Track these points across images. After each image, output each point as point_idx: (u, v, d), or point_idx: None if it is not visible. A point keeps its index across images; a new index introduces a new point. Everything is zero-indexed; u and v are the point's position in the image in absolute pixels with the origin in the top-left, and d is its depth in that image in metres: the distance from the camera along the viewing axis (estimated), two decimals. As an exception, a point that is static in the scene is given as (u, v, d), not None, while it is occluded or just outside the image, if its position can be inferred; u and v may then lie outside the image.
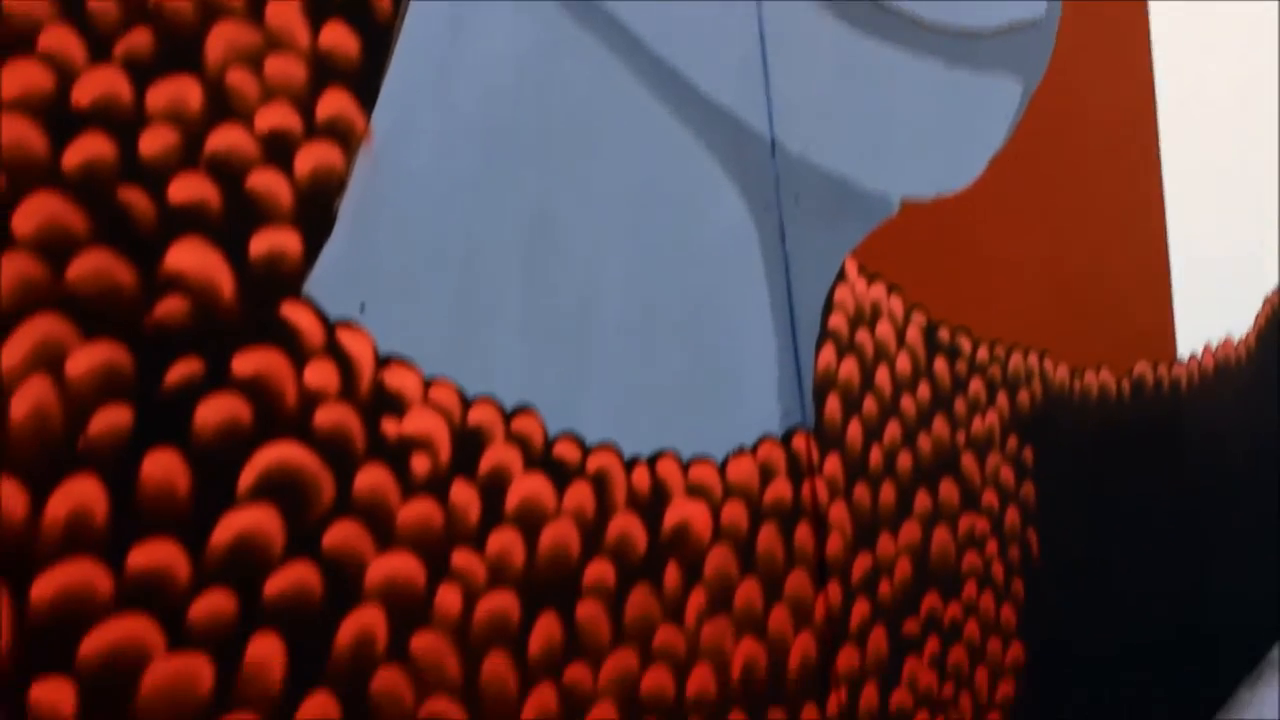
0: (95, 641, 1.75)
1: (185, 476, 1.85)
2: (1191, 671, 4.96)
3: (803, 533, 2.98)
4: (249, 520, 1.92)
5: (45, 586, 1.71)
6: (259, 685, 1.93)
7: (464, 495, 2.23)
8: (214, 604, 1.88)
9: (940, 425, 3.51)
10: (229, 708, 1.90)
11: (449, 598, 2.20)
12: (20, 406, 1.69)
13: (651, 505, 2.59)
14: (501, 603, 2.29)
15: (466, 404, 2.24)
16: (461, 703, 2.22)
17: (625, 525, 2.53)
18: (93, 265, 1.77)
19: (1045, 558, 3.97)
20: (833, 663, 3.07)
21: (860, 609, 3.17)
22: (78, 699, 1.74)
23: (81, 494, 1.75)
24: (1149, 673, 4.63)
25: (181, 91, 1.87)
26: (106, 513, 1.77)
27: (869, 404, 3.23)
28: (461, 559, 2.22)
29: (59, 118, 1.74)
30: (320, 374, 2.02)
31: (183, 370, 1.86)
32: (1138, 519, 4.59)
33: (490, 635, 2.27)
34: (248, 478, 1.92)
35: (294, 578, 1.98)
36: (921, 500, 3.42)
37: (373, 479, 2.09)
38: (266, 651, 1.94)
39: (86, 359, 1.76)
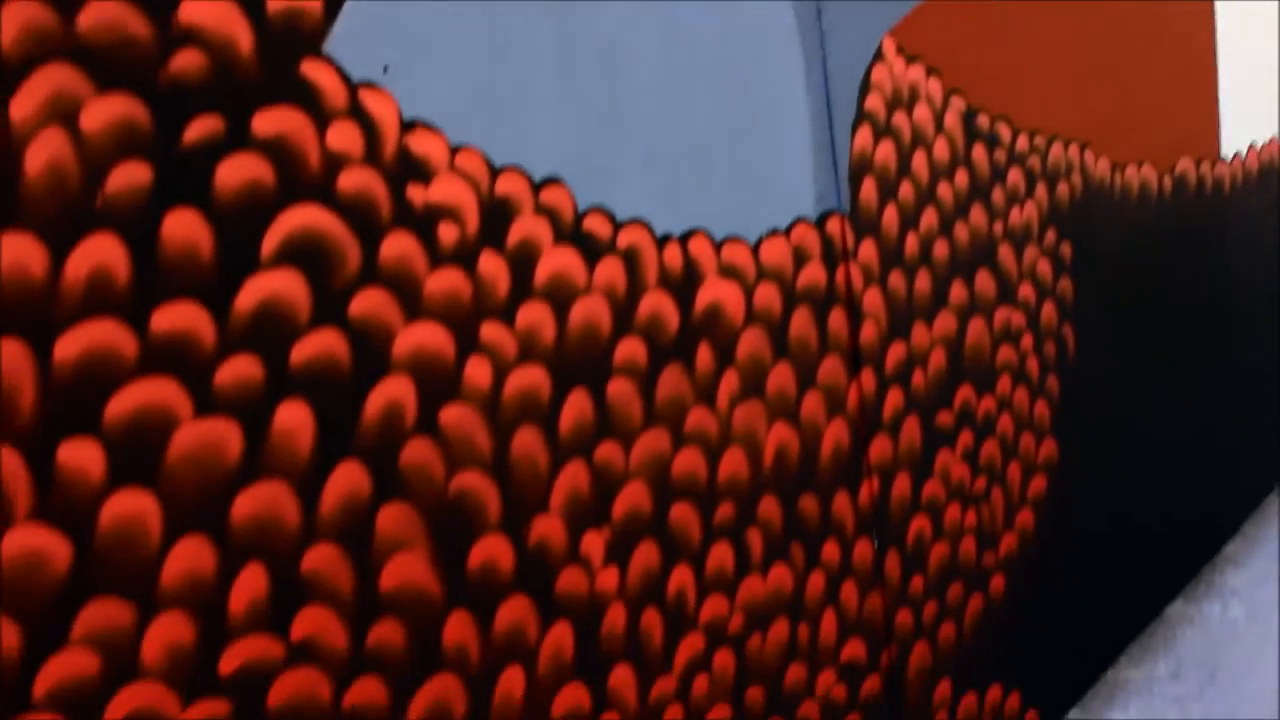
0: (121, 404, 1.74)
1: (208, 238, 1.81)
2: (1209, 486, 4.96)
3: (836, 319, 2.94)
4: (274, 285, 1.89)
5: (68, 347, 1.68)
6: (287, 453, 1.92)
7: (492, 267, 2.19)
8: (240, 369, 1.86)
9: (978, 215, 3.45)
10: (257, 475, 1.89)
11: (478, 371, 2.17)
12: (35, 160, 1.64)
13: (683, 285, 2.55)
14: (531, 378, 2.27)
15: (494, 173, 2.19)
16: (492, 477, 2.21)
17: (657, 304, 2.49)
18: (105, 14, 1.70)
19: (1081, 356, 3.94)
20: (865, 452, 3.06)
21: (893, 399, 3.15)
22: (106, 461, 1.72)
23: (101, 253, 1.71)
24: (1176, 478, 4.62)
25: None
26: (128, 273, 1.74)
27: (905, 190, 3.16)
28: (490, 332, 2.19)
29: None
30: (343, 136, 1.97)
31: (202, 128, 1.81)
32: (1173, 323, 4.54)
33: (520, 410, 2.25)
34: (271, 241, 1.88)
35: (321, 346, 1.95)
36: (957, 291, 3.37)
37: (399, 247, 2.05)
38: (294, 419, 1.92)
39: (102, 112, 1.70)
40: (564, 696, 2.37)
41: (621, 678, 2.47)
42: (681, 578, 2.58)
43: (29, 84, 1.63)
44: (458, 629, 2.17)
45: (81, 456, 1.70)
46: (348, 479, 1.99)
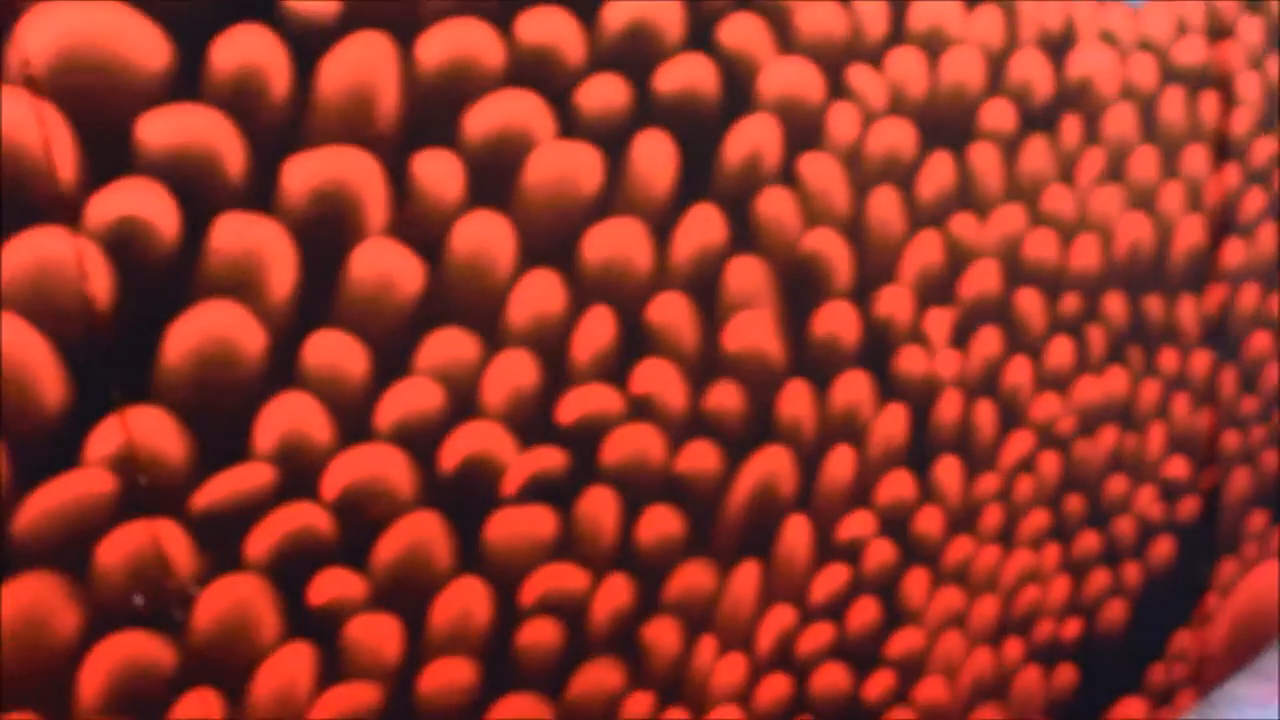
0: (483, 116, 1.57)
1: (584, -63, 1.61)
2: None
3: (1208, 102, 2.63)
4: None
5: (433, 47, 1.51)
6: (644, 188, 1.74)
7: (868, 2, 1.95)
8: (605, 90, 1.67)
9: (1364, 1, 3.05)
10: (612, 209, 1.71)
11: (844, 119, 1.95)
12: None
13: (1058, 46, 2.27)
14: (897, 133, 2.04)
15: (884, -106, 1.93)
16: (846, 238, 2.00)
17: (1030, 64, 2.22)
18: None
19: None
20: (1217, 254, 2.77)
21: (1254, 199, 2.83)
22: (464, 177, 1.56)
23: (475, -58, 1.53)
24: None
25: None
26: (499, -31, 1.55)
27: (1296, -37, 2.79)
28: (860, 77, 1.96)
29: None
30: None
31: None
32: None
33: (882, 169, 2.03)
34: (648, -52, 1.68)
35: (688, 72, 1.75)
36: (1332, 85, 3.00)
37: (777, -30, 1.82)
38: (655, 151, 1.73)
39: None
40: (889, 482, 2.19)
41: (947, 470, 2.29)
42: (1019, 370, 2.37)
43: None
44: (794, 399, 2.00)
45: (440, 170, 1.55)
46: (703, 223, 1.81)
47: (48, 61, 1.28)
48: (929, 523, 2.28)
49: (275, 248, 1.44)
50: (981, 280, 2.24)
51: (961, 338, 2.24)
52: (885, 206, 2.05)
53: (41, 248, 1.31)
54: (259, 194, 1.42)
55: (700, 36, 1.75)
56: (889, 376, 2.13)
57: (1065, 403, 2.48)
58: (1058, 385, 2.45)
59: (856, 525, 2.15)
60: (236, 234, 1.42)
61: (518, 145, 1.60)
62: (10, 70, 1.26)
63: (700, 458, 1.89)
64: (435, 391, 1.59)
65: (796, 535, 2.05)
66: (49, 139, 1.30)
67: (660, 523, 1.87)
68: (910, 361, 2.16)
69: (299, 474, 1.51)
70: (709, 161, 1.80)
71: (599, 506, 1.79)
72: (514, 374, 1.66)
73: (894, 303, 2.10)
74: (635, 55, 1.68)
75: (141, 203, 1.35)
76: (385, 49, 1.48)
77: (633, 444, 1.80)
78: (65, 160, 1.30)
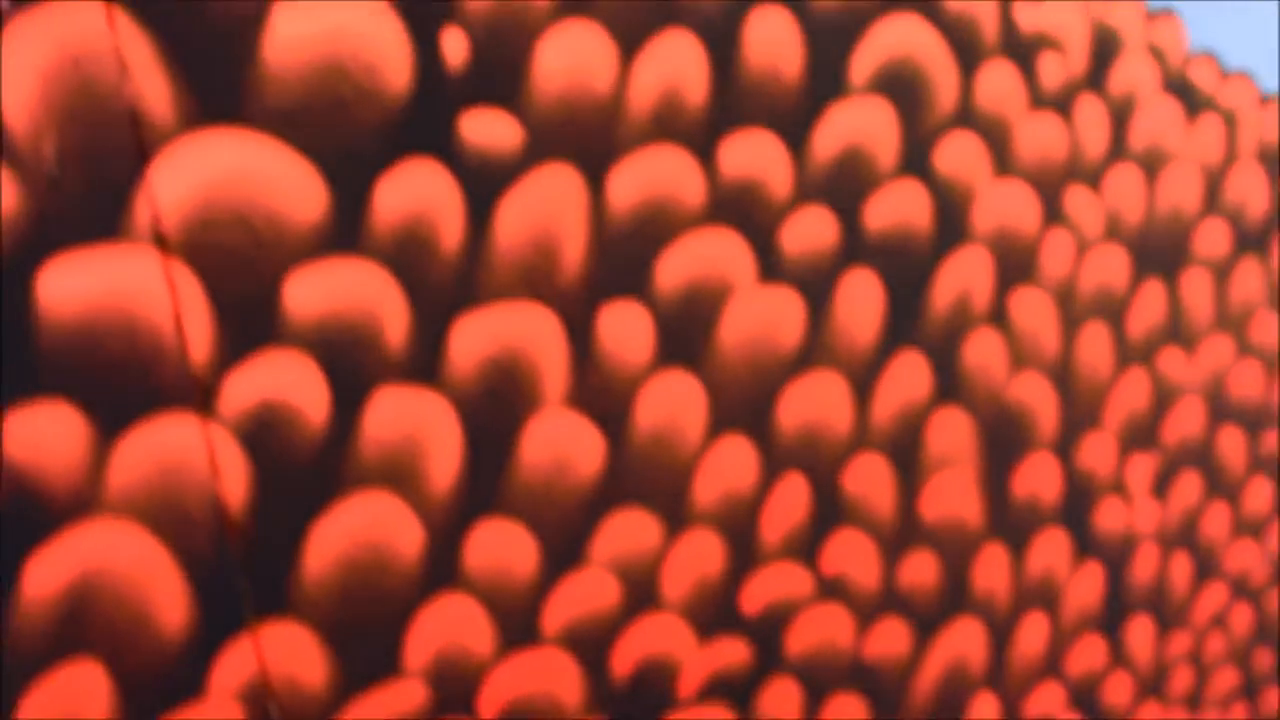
0: (679, 259, 1.30)
1: (798, 47, 1.35)
2: None
3: None
4: (862, 118, 1.41)
5: (627, 180, 1.25)
6: (848, 336, 1.46)
7: (1090, 115, 1.67)
8: (813, 225, 1.40)
9: None
10: (812, 361, 1.44)
11: (1059, 247, 1.68)
12: (618, -77, 1.19)
13: (1277, 159, 1.99)
14: (1112, 261, 1.76)
15: (1113, -6, 1.66)
16: (1052, 381, 1.72)
17: (1249, 179, 1.94)
18: None
19: None
20: None
21: None
22: (654, 332, 1.30)
23: (678, 58, 1.26)
24: None
25: None
26: (706, 87, 1.29)
27: None
28: (1078, 199, 1.68)
29: None
30: (960, -72, 1.46)
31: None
32: None
33: (1095, 301, 1.75)
34: (865, 59, 1.41)
35: (901, 201, 1.48)
36: None
37: (999, 80, 1.55)
38: (862, 294, 1.46)
39: None
40: (1080, 648, 1.90)
41: (1140, 631, 2.00)
42: (1217, 517, 2.07)
43: None
44: (990, 565, 1.71)
45: (628, 325, 1.28)
46: (908, 374, 1.54)
47: (182, 215, 1.02)
48: (1118, 691, 1.98)
49: (439, 426, 1.18)
50: (1185, 420, 1.95)
51: (1161, 486, 1.95)
52: (1095, 344, 1.77)
53: (166, 440, 1.04)
54: (422, 363, 1.16)
55: (915, 161, 1.48)
56: (1087, 533, 1.85)
57: (1261, 550, 2.18)
58: (1253, 531, 2.16)
59: (1046, 699, 1.86)
60: (395, 412, 1.15)
61: (714, 294, 1.33)
62: (137, 227, 1.00)
63: (890, 638, 1.61)
64: (611, 585, 1.32)
65: (983, 714, 1.77)
66: (180, 308, 1.03)
67: (845, 711, 1.58)
68: (1109, 516, 1.87)
69: (455, 691, 1.23)
70: (917, 303, 1.52)
71: (781, 700, 1.51)
72: (698, 559, 1.38)
73: (1097, 451, 1.82)
74: (846, 185, 1.41)
75: (286, 381, 1.09)
76: (573, 186, 1.21)
77: (820, 629, 1.52)
78: (199, 333, 1.04)
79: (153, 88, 0.99)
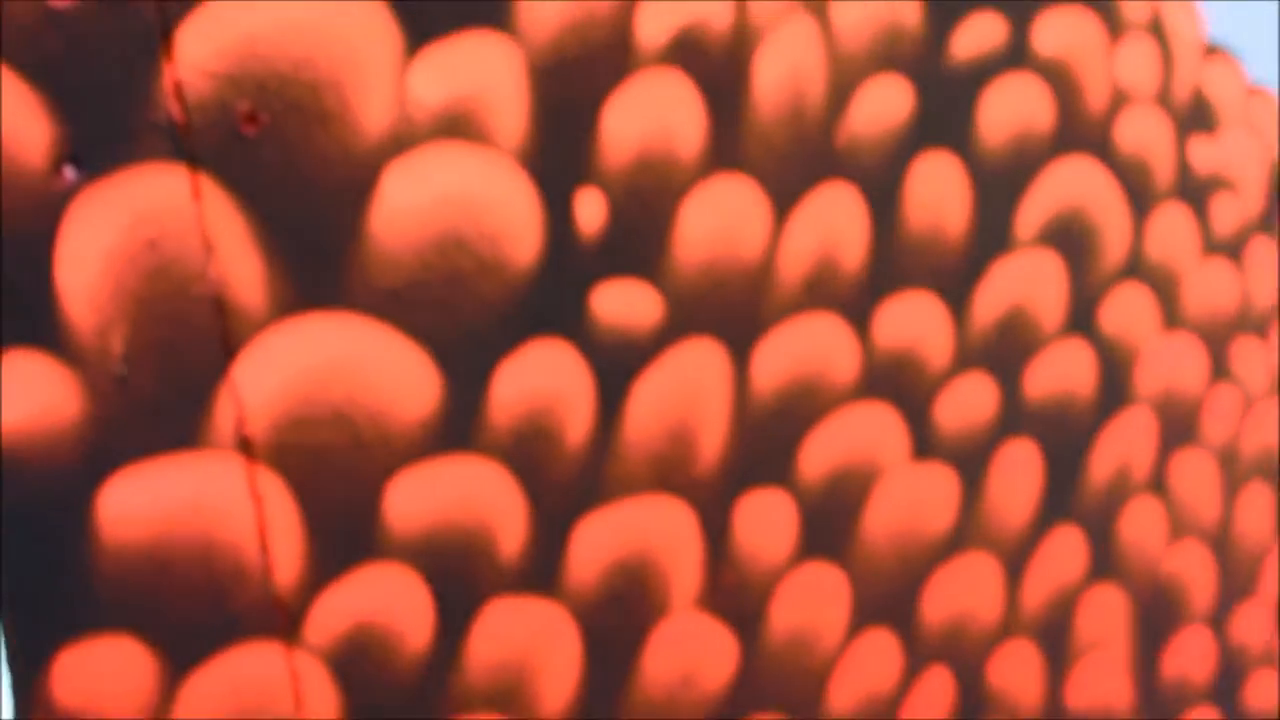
0: (827, 440, 1.11)
1: (964, 201, 1.16)
2: None
3: None
4: (1029, 274, 1.22)
5: (774, 355, 1.06)
6: (1001, 513, 1.27)
7: (1263, 258, 1.47)
8: (971, 395, 1.20)
9: None
10: (961, 544, 1.24)
11: (1226, 405, 1.47)
12: (768, 70, 1.00)
13: None
14: (1274, 417, 1.55)
15: (1292, 128, 1.46)
16: (1211, 550, 1.51)
17: None
18: None
19: None
20: None
21: None
22: (798, 521, 1.10)
23: (835, 215, 1.07)
24: None
25: None
26: (865, 248, 1.10)
27: None
28: (1245, 350, 1.48)
29: None
30: (1137, 61, 1.27)
31: (976, 34, 1.14)
32: None
33: (1257, 462, 1.54)
34: (1034, 209, 1.22)
35: (1065, 364, 1.28)
36: None
37: (1170, 227, 1.35)
38: (1020, 467, 1.27)
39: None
40: (1219, 831, 1.68)
41: (1281, 806, 1.77)
42: (1365, 679, 1.85)
43: (786, -55, 0.99)
44: (1136, 751, 1.50)
45: (768, 517, 1.09)
46: (1062, 550, 1.33)
47: (271, 416, 0.84)
48: None
49: (555, 640, 0.98)
50: (1339, 580, 1.74)
51: (1312, 650, 1.73)
52: (1254, 507, 1.56)
53: (245, 674, 0.85)
54: (540, 572, 0.97)
55: (1081, 319, 1.28)
56: (1237, 711, 1.63)
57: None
58: (1399, 691, 1.94)
59: None
60: (506, 628, 0.96)
61: (862, 476, 1.14)
62: (218, 431, 0.82)
63: (1029, 838, 1.40)
64: (738, 807, 1.12)
65: None
66: (265, 523, 0.85)
67: None
68: (1260, 692, 1.66)
69: None
70: (1075, 474, 1.32)
71: None
72: (832, 770, 1.18)
73: (1250, 623, 1.61)
74: (1007, 349, 1.22)
75: (385, 601, 0.90)
76: (715, 364, 1.02)
77: (958, 836, 1.32)
78: (286, 551, 0.85)
79: (242, 269, 0.81)
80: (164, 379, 0.80)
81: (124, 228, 0.77)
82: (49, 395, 0.77)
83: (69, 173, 0.75)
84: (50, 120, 0.75)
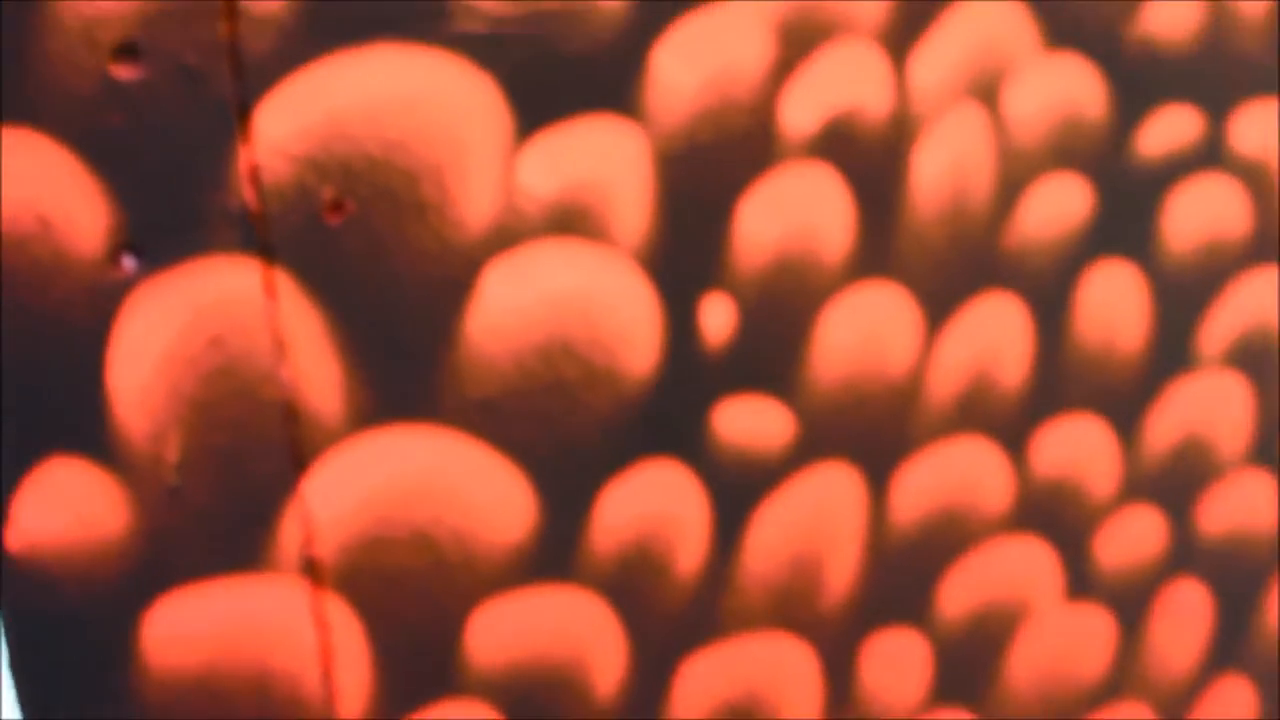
0: (971, 575, 0.97)
1: (1145, 313, 1.01)
2: None
3: None
4: (1211, 396, 1.06)
5: (914, 486, 0.92)
6: (1165, 660, 1.11)
7: None
8: (1135, 530, 1.05)
9: None
10: (1116, 693, 1.09)
11: None
12: (930, 160, 0.87)
13: None
14: None
15: None
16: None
17: None
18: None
19: None
20: None
21: None
22: (933, 667, 0.96)
23: (998, 327, 0.94)
24: None
25: None
26: (1028, 367, 0.96)
27: None
28: None
29: None
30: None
31: (1170, 128, 0.99)
32: None
33: None
34: (1220, 330, 1.06)
35: (1245, 485, 1.12)
36: None
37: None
38: (1190, 608, 1.11)
39: (1043, 84, 0.92)
40: None
41: None
42: None
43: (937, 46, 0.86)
44: None
45: (898, 659, 0.95)
46: (1229, 702, 1.17)
47: (342, 536, 0.73)
48: None
49: (650, 791, 0.86)
50: None
51: None
52: None
53: (297, 821, 0.74)
54: (638, 715, 0.84)
55: (1264, 447, 1.12)
56: None
57: None
58: None
59: None
60: (596, 776, 0.84)
61: (1008, 616, 1.00)
62: (282, 551, 0.71)
63: None
64: None
65: None
66: (330, 654, 0.74)
67: None
68: None
69: None
70: (1248, 618, 1.16)
71: None
72: None
73: None
74: (1180, 480, 1.07)
75: (461, 744, 0.78)
76: (849, 490, 0.89)
77: None
78: (353, 684, 0.74)
79: (316, 373, 0.70)
80: (223, 492, 0.70)
81: (185, 324, 0.67)
82: (93, 506, 0.68)
83: (127, 263, 0.65)
84: (108, 204, 0.65)
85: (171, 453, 0.68)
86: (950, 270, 0.90)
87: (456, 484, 0.75)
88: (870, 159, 0.85)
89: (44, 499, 0.67)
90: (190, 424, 0.68)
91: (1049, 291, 0.95)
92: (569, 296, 0.77)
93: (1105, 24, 0.94)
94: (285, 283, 0.69)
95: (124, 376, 0.67)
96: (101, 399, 0.67)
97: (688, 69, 0.78)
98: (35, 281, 0.64)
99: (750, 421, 0.84)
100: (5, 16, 0.60)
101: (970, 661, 0.99)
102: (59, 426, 0.66)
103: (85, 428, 0.66)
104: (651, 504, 0.82)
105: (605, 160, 0.76)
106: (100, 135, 0.64)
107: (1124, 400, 1.01)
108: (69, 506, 0.67)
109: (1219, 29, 0.98)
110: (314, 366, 0.70)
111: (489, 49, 0.71)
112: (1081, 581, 1.03)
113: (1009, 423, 0.95)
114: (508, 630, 0.79)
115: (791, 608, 0.89)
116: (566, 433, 0.78)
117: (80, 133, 0.63)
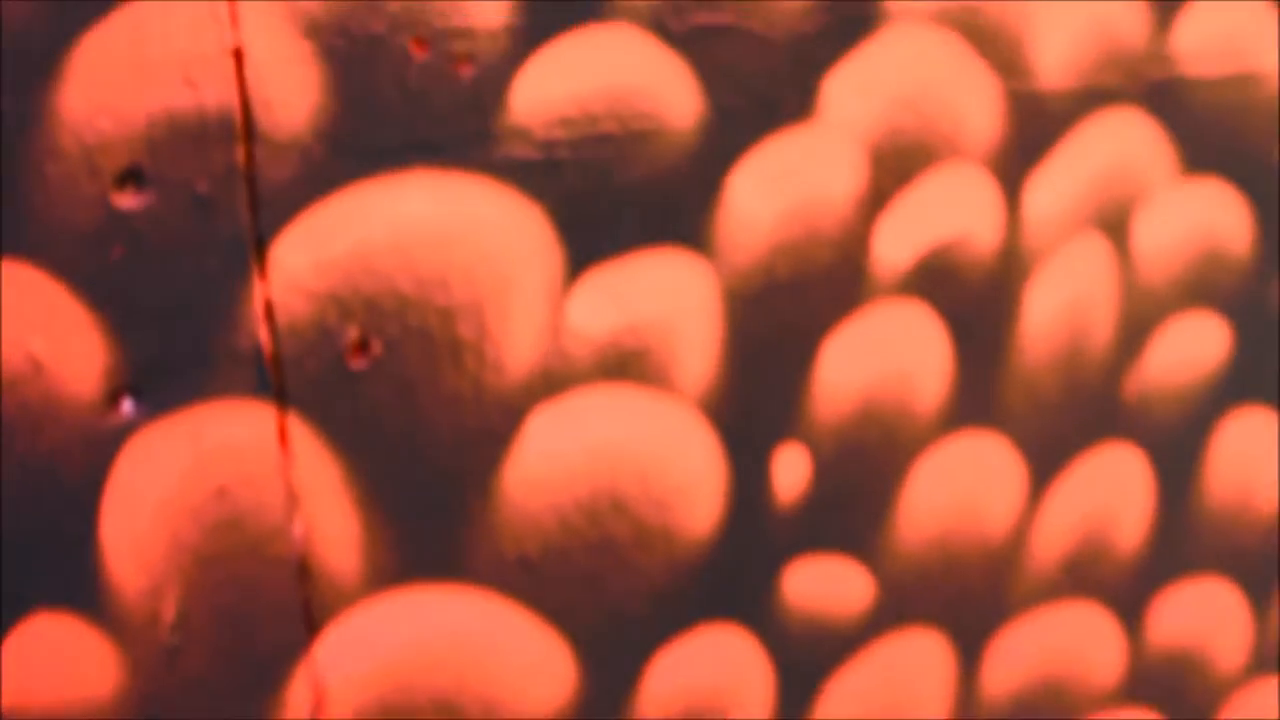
0: None
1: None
2: None
3: None
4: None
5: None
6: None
7: None
8: (1264, 706, 0.93)
9: None
10: None
11: None
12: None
13: None
14: None
15: None
16: None
17: None
18: None
19: None
20: None
21: None
22: None
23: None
24: None
25: None
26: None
27: None
28: None
29: None
30: None
31: None
32: None
33: None
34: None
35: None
36: None
37: None
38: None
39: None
40: None
41: None
42: None
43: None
44: None
45: None
46: None
47: (356, 703, 0.65)
48: None
49: None
50: None
51: None
52: None
53: None
54: None
55: None
56: None
57: None
58: None
59: None
60: None
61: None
62: (290, 717, 0.64)
63: None
64: None
65: None
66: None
67: None
68: None
69: None
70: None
71: None
72: None
73: None
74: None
75: None
76: (936, 662, 0.79)
77: None
78: None
79: (332, 528, 0.63)
80: (226, 654, 0.63)
81: (187, 472, 0.60)
82: (82, 665, 0.61)
83: (126, 407, 0.59)
84: (107, 343, 0.58)
85: (169, 610, 0.61)
86: (1062, 420, 0.80)
87: (486, 649, 0.67)
88: (973, 297, 0.76)
89: (29, 656, 0.60)
90: (191, 580, 0.61)
91: (1176, 443, 0.84)
92: (620, 447, 0.68)
93: (1250, 145, 0.83)
94: (300, 430, 0.62)
95: (118, 527, 0.60)
96: (93, 551, 0.60)
97: (767, 198, 0.69)
98: (25, 425, 0.58)
99: (823, 585, 0.74)
100: (3, 142, 0.54)
101: (1070, 847, 0.88)
102: (47, 579, 0.59)
103: (74, 582, 0.60)
104: (707, 675, 0.73)
105: (667, 298, 0.67)
106: (100, 268, 0.57)
107: (1257, 564, 0.89)
108: (56, 665, 0.60)
109: (1384, 156, 0.86)
110: (330, 521, 0.63)
111: (538, 176, 0.64)
112: None
113: (1123, 588, 0.84)
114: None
115: (865, 787, 0.79)
116: (612, 596, 0.69)
117: (78, 265, 0.57)
